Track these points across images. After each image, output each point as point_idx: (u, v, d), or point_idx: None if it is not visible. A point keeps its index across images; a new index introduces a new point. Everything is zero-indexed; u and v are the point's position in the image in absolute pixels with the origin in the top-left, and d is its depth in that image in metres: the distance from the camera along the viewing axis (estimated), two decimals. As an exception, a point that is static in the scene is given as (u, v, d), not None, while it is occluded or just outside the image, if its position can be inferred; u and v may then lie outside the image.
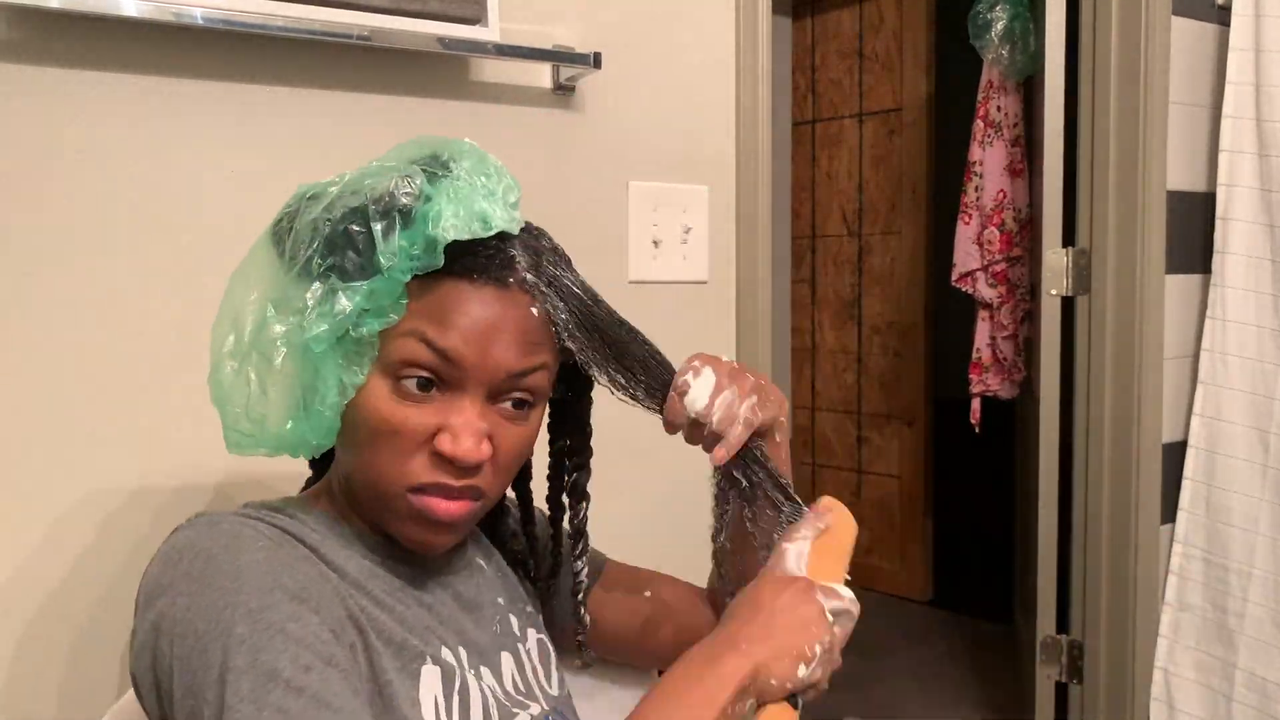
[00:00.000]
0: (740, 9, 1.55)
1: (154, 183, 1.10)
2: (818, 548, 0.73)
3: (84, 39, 1.05)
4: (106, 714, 0.82)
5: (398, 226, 0.63)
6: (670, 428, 0.76)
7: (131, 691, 0.81)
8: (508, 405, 0.68)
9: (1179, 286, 1.93)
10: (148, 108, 1.09)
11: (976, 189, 2.55)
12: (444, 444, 0.65)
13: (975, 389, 2.61)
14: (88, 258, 1.07)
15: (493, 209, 0.66)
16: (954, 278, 2.61)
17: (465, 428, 0.65)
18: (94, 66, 1.06)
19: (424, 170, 0.66)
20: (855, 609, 0.71)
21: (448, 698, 0.67)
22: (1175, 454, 1.95)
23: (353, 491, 0.71)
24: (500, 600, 0.80)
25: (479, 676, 0.71)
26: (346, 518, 0.72)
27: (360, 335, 0.64)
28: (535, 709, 0.75)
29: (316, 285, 0.64)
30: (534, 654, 0.80)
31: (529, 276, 0.68)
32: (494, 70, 1.30)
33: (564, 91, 1.35)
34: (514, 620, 0.80)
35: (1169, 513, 1.95)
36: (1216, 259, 1.91)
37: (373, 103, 1.22)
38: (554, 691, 0.79)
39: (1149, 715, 1.96)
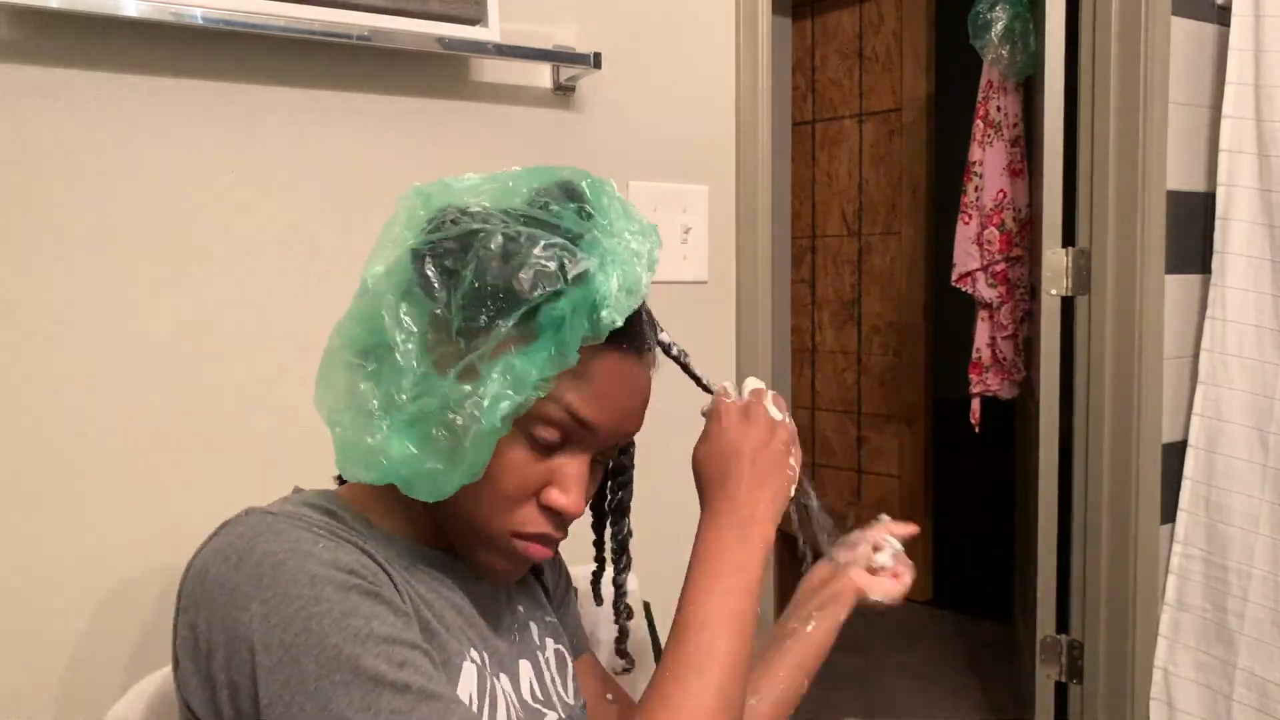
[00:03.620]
0: (740, 9, 1.55)
1: (154, 182, 1.10)
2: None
3: (84, 39, 1.05)
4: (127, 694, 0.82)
5: (580, 305, 0.62)
6: None
7: (147, 682, 0.81)
8: (600, 456, 0.71)
9: (1179, 286, 1.93)
10: (148, 108, 1.09)
11: (976, 189, 2.55)
12: (557, 500, 0.67)
13: (975, 389, 2.61)
14: (88, 257, 1.07)
15: (644, 275, 0.66)
16: (954, 278, 2.61)
17: (577, 486, 0.67)
18: (94, 66, 1.06)
19: (573, 205, 0.66)
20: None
21: (480, 696, 0.67)
22: (1175, 454, 1.95)
23: (434, 512, 0.70)
24: (521, 609, 0.81)
25: (499, 681, 0.72)
26: (386, 511, 0.72)
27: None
28: (553, 716, 0.76)
29: (494, 354, 0.62)
30: (552, 663, 0.80)
31: (654, 344, 0.72)
32: (494, 70, 1.30)
33: (564, 92, 1.35)
34: (534, 629, 0.81)
35: (1169, 513, 1.95)
36: (1216, 259, 1.91)
37: (373, 103, 1.22)
38: (570, 700, 0.80)
39: (1149, 715, 1.96)
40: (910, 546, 0.82)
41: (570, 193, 0.68)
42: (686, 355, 0.79)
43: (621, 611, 0.87)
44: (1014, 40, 2.41)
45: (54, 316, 1.05)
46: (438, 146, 1.26)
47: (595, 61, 1.30)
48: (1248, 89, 1.87)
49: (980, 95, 2.53)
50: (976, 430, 2.64)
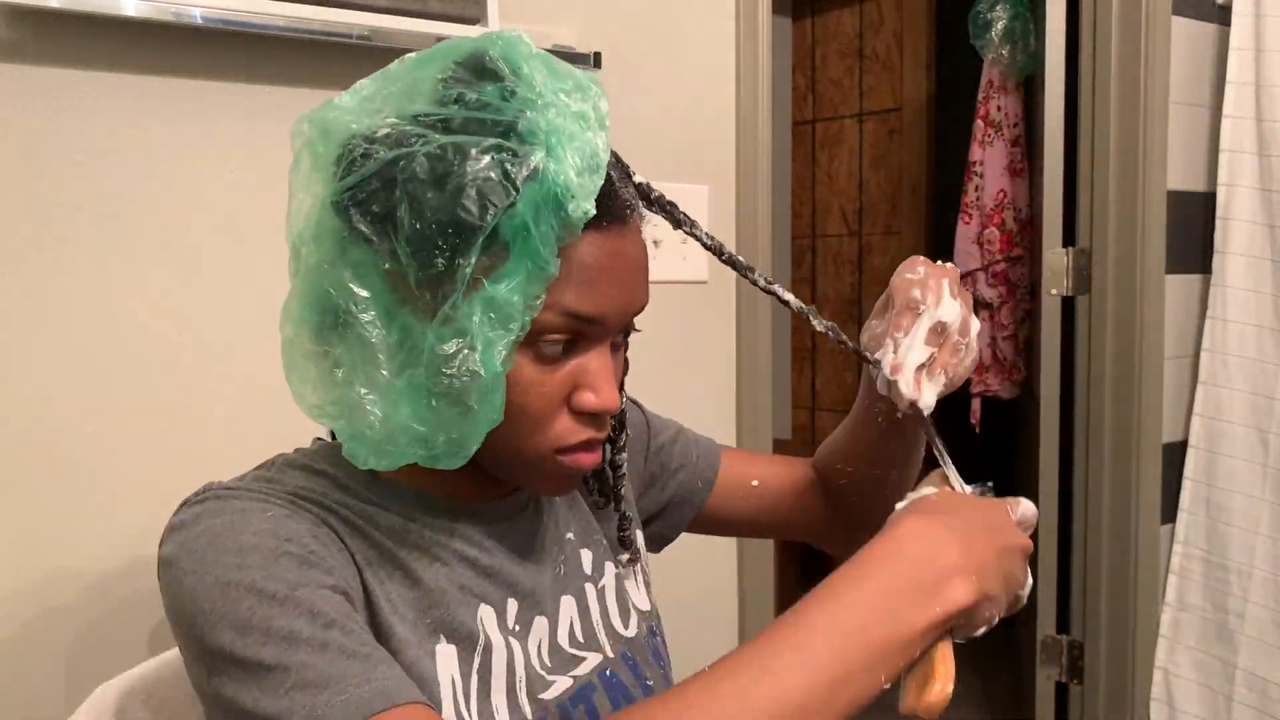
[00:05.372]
0: (740, 9, 1.55)
1: (153, 182, 1.10)
2: None
3: (84, 39, 1.05)
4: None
5: (548, 211, 0.55)
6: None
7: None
8: (618, 338, 0.65)
9: (1179, 286, 1.93)
10: (148, 108, 1.09)
11: (976, 189, 2.55)
12: (590, 402, 0.61)
13: (975, 389, 2.61)
14: (87, 256, 1.07)
15: (599, 137, 0.58)
16: (954, 278, 2.61)
17: (606, 380, 0.61)
18: (94, 66, 1.06)
19: (491, 85, 0.57)
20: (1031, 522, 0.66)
21: (465, 677, 0.63)
22: (1175, 454, 1.95)
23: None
24: (570, 535, 0.75)
25: (520, 635, 0.67)
26: (396, 471, 0.65)
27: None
28: (593, 660, 0.71)
29: (467, 293, 0.55)
30: (608, 592, 0.75)
31: (633, 200, 0.63)
32: (494, 70, 1.30)
33: (564, 91, 1.35)
34: (586, 556, 0.75)
35: (1169, 513, 1.95)
36: (1217, 259, 1.91)
37: (373, 103, 1.22)
38: (628, 632, 0.75)
39: (1149, 715, 1.96)
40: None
41: (481, 70, 0.57)
42: (672, 205, 0.70)
43: (621, 496, 0.79)
44: (1014, 40, 2.41)
45: (53, 316, 1.05)
46: (438, 146, 1.26)
47: (595, 61, 1.30)
48: (1248, 88, 1.87)
49: (981, 95, 2.53)
50: (976, 430, 2.64)
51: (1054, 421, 2.01)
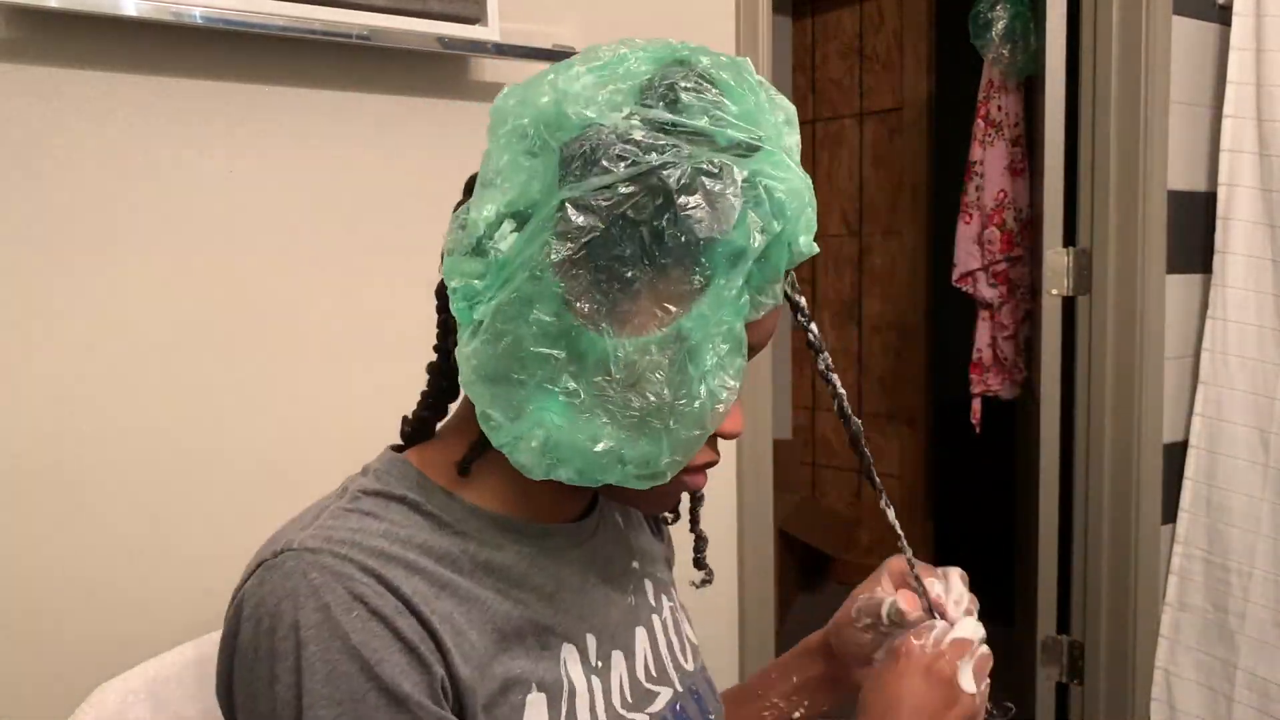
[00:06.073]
0: (740, 9, 1.55)
1: (154, 182, 1.10)
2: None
3: (84, 39, 1.05)
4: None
5: (787, 234, 0.56)
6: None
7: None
8: None
9: (1179, 286, 1.93)
10: (148, 108, 1.09)
11: (977, 189, 2.54)
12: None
13: (976, 389, 2.61)
14: (87, 257, 1.06)
15: (807, 200, 0.58)
16: (954, 278, 2.61)
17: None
18: (94, 66, 1.06)
19: (738, 116, 0.55)
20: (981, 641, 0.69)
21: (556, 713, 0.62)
22: (1176, 454, 1.95)
23: None
24: (635, 565, 0.73)
25: (603, 673, 0.66)
26: (470, 490, 0.63)
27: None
28: (665, 695, 0.69)
29: (697, 310, 0.53)
30: (670, 625, 0.74)
31: None
32: (494, 70, 1.30)
33: (564, 91, 1.35)
34: (649, 586, 0.74)
35: (1169, 513, 1.95)
36: (1217, 259, 1.91)
37: (373, 102, 1.22)
38: (688, 666, 0.74)
39: (1149, 716, 1.96)
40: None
41: (707, 79, 0.56)
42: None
43: (697, 517, 0.77)
44: (1015, 39, 2.41)
45: (53, 315, 1.05)
46: (438, 146, 1.26)
47: (595, 61, 1.30)
48: (1249, 88, 1.87)
49: (981, 95, 2.53)
50: (977, 430, 2.64)
51: (1054, 421, 2.01)
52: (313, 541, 0.56)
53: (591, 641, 0.65)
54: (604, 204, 0.52)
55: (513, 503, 0.64)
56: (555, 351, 0.54)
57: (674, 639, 0.73)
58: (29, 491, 1.04)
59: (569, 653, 0.63)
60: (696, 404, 0.54)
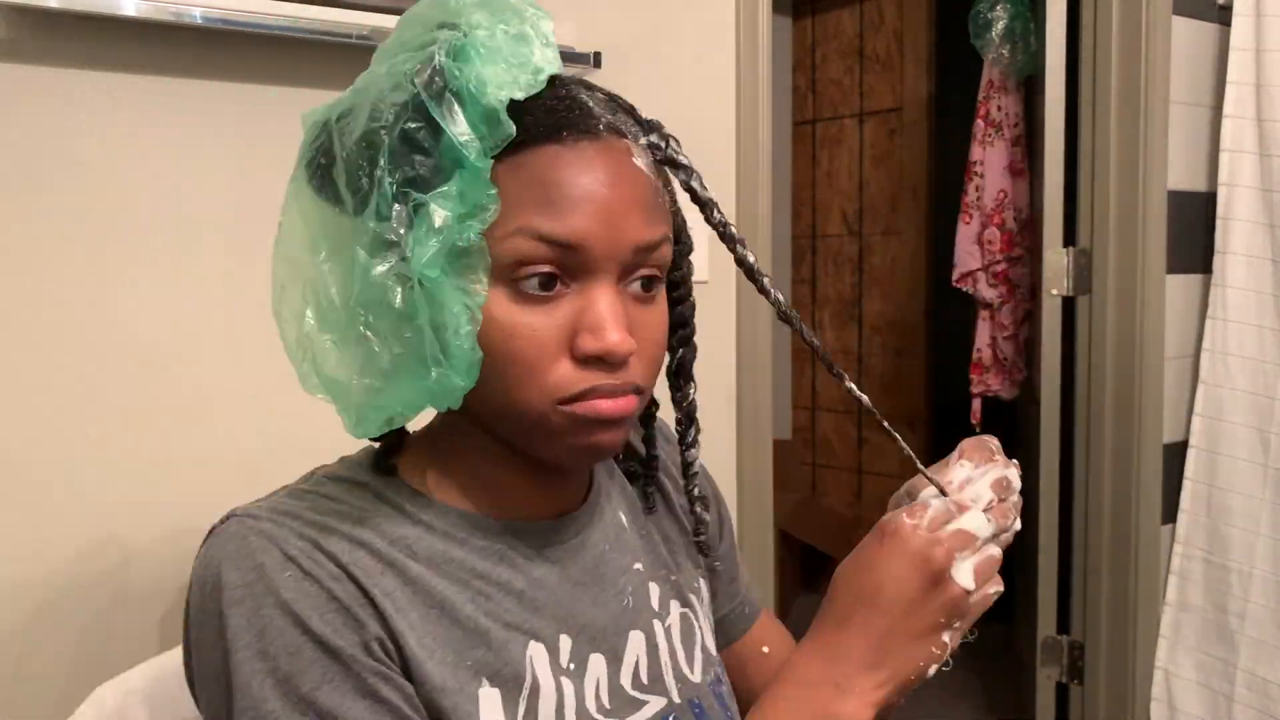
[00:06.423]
0: (740, 9, 1.55)
1: (154, 182, 1.10)
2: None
3: (84, 39, 1.05)
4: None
5: (457, 104, 0.53)
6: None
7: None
8: (636, 287, 0.59)
9: (1179, 286, 1.93)
10: (148, 108, 1.09)
11: (977, 189, 2.55)
12: (587, 344, 0.55)
13: (976, 389, 2.61)
14: (87, 256, 1.06)
15: (531, 50, 0.55)
16: (954, 278, 2.61)
17: (605, 318, 0.55)
18: (94, 66, 1.06)
19: (440, 37, 0.56)
20: (992, 529, 0.59)
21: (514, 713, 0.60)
22: (1176, 454, 1.95)
23: (484, 427, 0.61)
24: (638, 566, 0.70)
25: (575, 675, 0.63)
26: (441, 478, 0.63)
27: (468, 245, 0.53)
28: (656, 704, 0.66)
29: (398, 208, 0.53)
30: (675, 632, 0.70)
31: (609, 117, 0.58)
32: (494, 70, 1.30)
33: (564, 91, 1.35)
34: (654, 590, 0.70)
35: (1169, 513, 1.95)
36: (1217, 259, 1.91)
37: (373, 103, 1.22)
38: (694, 677, 0.70)
39: (1149, 716, 1.96)
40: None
41: (439, 25, 0.56)
42: (692, 171, 0.63)
43: (694, 495, 0.73)
44: (1015, 39, 2.41)
45: (53, 315, 1.05)
46: (438, 146, 1.26)
47: (595, 61, 1.30)
48: (1249, 88, 1.87)
49: (981, 95, 2.53)
50: (977, 430, 2.64)
51: (1054, 421, 2.01)
52: (257, 510, 0.59)
53: (565, 642, 0.63)
54: (311, 167, 0.60)
55: (481, 499, 0.63)
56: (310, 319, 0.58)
57: (680, 647, 0.70)
58: (29, 491, 1.04)
59: (536, 651, 0.61)
60: (395, 292, 0.54)
